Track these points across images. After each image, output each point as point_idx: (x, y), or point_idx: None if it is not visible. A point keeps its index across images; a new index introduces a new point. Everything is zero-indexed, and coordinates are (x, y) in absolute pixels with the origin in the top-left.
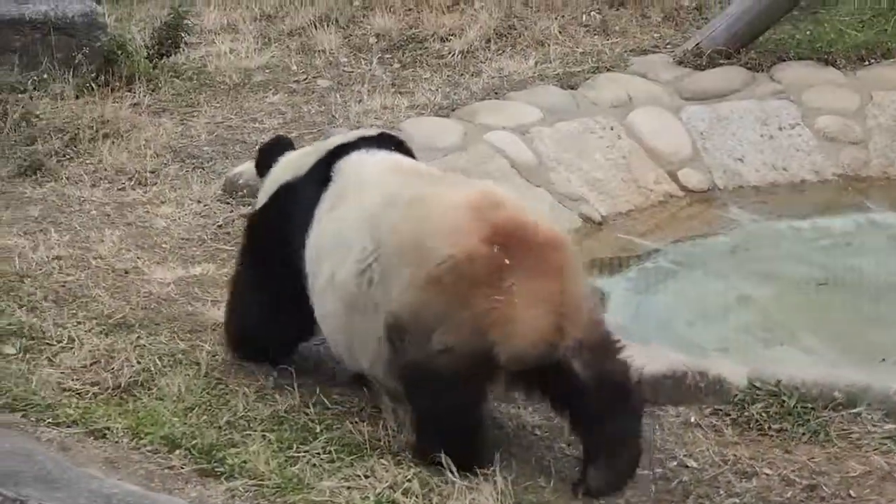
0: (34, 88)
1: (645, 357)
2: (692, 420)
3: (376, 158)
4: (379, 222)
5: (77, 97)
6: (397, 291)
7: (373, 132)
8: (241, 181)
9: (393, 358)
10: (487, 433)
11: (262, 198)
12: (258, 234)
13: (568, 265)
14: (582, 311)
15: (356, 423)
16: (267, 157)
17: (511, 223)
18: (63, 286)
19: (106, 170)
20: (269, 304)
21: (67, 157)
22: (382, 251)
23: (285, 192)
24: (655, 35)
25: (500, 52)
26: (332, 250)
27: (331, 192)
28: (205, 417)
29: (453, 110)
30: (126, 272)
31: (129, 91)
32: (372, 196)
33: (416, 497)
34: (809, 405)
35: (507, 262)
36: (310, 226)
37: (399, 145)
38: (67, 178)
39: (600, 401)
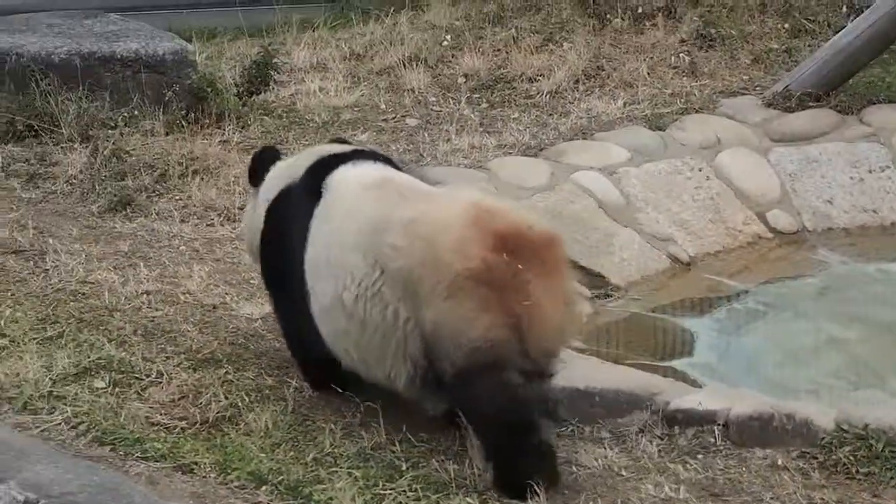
0: (125, 125)
1: (732, 399)
2: (779, 462)
3: (357, 173)
4: (376, 246)
5: (167, 134)
6: (418, 311)
7: (371, 149)
8: None
9: (429, 373)
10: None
11: (262, 207)
12: (266, 247)
13: (564, 259)
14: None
15: (442, 461)
16: (260, 166)
17: (510, 230)
18: (152, 321)
19: (195, 206)
20: (302, 318)
21: (157, 192)
22: (389, 274)
23: (282, 200)
24: (744, 77)
25: (589, 92)
26: (328, 272)
27: (320, 210)
28: (292, 453)
29: (541, 150)
30: (214, 307)
31: (219, 128)
32: (358, 218)
33: None
34: None
35: (520, 266)
36: (305, 242)
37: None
38: (157, 214)
39: None
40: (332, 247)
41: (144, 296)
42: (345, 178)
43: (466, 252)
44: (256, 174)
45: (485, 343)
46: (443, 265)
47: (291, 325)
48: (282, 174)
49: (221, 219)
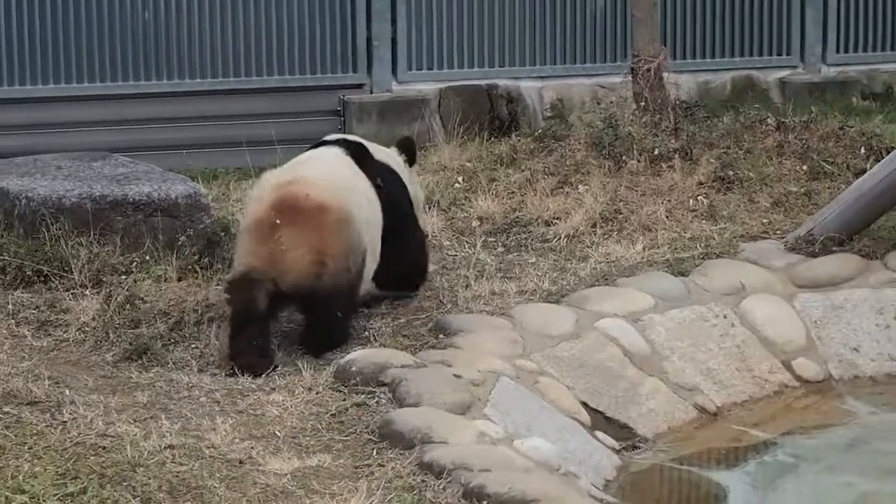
0: (137, 270)
1: None
2: None
3: (311, 152)
4: None
5: (179, 279)
6: None
7: (351, 138)
8: (353, 368)
9: None
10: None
11: None
12: None
13: (329, 222)
14: (340, 253)
15: None
16: None
17: (288, 195)
18: (177, 476)
19: (212, 355)
20: None
21: (173, 341)
22: None
23: None
24: (764, 220)
25: (607, 236)
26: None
27: None
28: None
29: (563, 296)
30: (240, 462)
31: None
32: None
33: None
34: None
35: (277, 221)
36: None
37: (358, 148)
38: (174, 363)
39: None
40: None
41: (168, 450)
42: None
43: (257, 207)
44: None
45: (243, 267)
46: (249, 214)
47: None
48: None
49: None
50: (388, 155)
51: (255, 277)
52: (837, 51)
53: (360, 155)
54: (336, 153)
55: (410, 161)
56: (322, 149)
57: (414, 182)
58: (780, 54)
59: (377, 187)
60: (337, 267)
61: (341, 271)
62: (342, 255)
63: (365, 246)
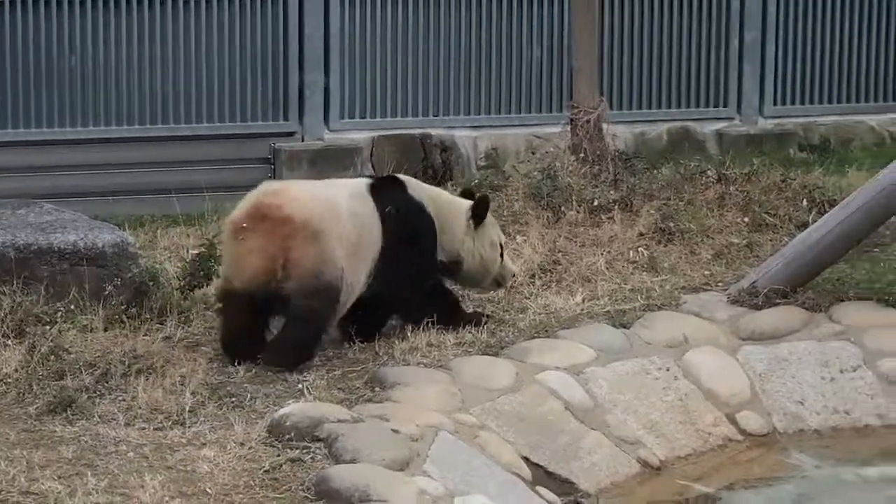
0: (62, 320)
1: None
2: None
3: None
4: None
5: (106, 329)
6: None
7: (390, 175)
8: (287, 423)
9: None
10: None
11: None
12: None
13: (293, 233)
14: (297, 264)
15: None
16: None
17: (261, 204)
18: None
19: (140, 408)
20: None
21: (98, 393)
22: None
23: None
24: (706, 272)
25: (546, 287)
26: None
27: None
28: None
29: (502, 348)
30: None
31: (161, 324)
32: None
33: None
34: None
35: (244, 226)
36: None
37: (381, 181)
38: (100, 417)
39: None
40: None
41: None
42: None
43: (234, 213)
44: None
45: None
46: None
47: None
48: None
49: (170, 423)
50: (434, 197)
51: (224, 277)
52: (775, 103)
53: (377, 186)
54: (352, 181)
55: (476, 219)
56: (358, 180)
57: (466, 237)
58: (717, 106)
59: (384, 215)
60: (297, 273)
61: (305, 276)
62: (304, 263)
63: (341, 264)
